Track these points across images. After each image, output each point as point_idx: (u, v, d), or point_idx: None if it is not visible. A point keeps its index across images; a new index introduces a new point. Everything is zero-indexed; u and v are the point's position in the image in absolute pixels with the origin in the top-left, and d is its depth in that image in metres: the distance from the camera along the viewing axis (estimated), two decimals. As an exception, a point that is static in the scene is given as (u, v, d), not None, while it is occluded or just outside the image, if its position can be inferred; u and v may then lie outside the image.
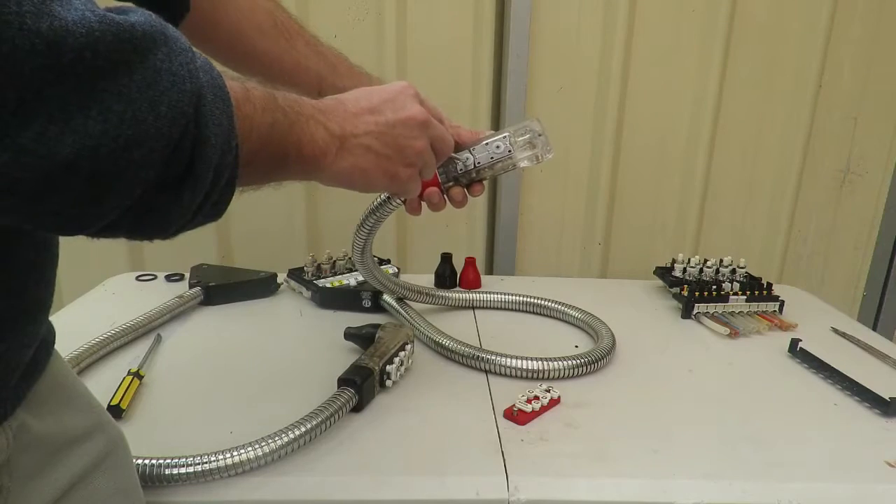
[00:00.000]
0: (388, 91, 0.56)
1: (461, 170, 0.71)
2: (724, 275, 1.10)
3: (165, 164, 0.32)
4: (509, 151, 0.70)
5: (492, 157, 0.70)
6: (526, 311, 1.04)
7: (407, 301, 0.98)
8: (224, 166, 0.36)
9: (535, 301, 1.03)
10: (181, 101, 0.32)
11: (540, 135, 0.70)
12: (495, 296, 1.05)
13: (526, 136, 0.70)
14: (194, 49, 0.35)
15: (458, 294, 1.05)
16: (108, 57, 0.29)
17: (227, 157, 0.36)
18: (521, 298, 1.04)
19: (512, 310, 1.05)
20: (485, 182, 0.74)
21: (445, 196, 0.72)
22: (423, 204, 0.73)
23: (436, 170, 0.72)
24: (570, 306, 1.01)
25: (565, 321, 1.01)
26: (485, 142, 0.71)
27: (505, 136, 0.70)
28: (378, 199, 0.75)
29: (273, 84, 0.58)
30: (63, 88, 0.27)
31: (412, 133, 0.56)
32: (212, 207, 0.38)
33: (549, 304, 1.02)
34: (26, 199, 0.29)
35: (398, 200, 0.74)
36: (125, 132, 0.30)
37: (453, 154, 0.71)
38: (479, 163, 0.70)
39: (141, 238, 0.36)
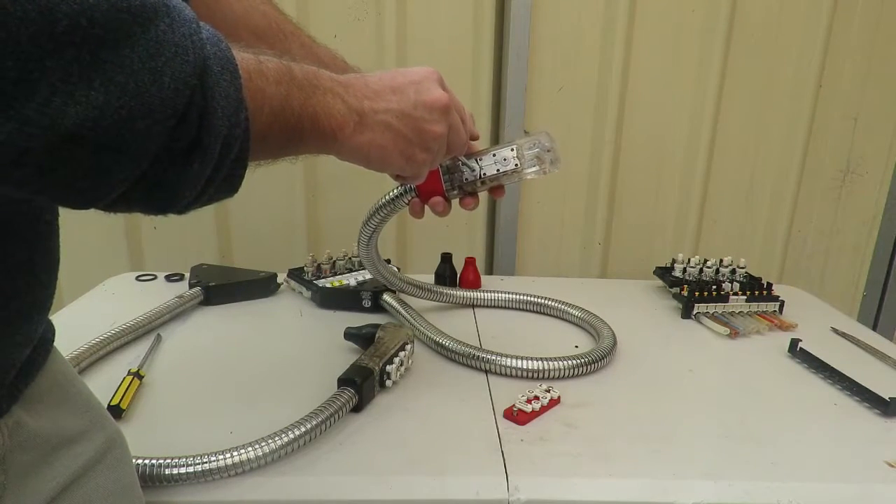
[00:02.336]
0: (413, 73, 0.56)
1: (467, 179, 0.71)
2: (724, 275, 1.10)
3: (171, 136, 0.32)
4: (516, 165, 0.70)
5: (498, 170, 0.70)
6: (529, 311, 1.04)
7: (407, 301, 0.98)
8: (233, 138, 0.36)
9: (538, 300, 1.03)
10: (185, 71, 0.32)
11: (549, 150, 0.70)
12: (499, 294, 1.05)
13: (535, 150, 0.70)
14: (200, 21, 0.34)
15: (460, 292, 1.05)
16: (105, 26, 0.28)
17: (236, 130, 0.36)
18: (524, 297, 1.04)
19: (515, 309, 1.05)
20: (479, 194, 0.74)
21: (450, 202, 0.73)
22: (425, 208, 0.74)
23: (439, 173, 0.72)
24: (572, 305, 1.01)
25: (567, 320, 1.01)
26: (493, 152, 0.70)
27: (513, 148, 0.70)
28: (390, 194, 0.75)
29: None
30: (64, 59, 0.27)
31: (433, 116, 0.56)
32: (224, 182, 0.38)
33: (552, 303, 1.03)
34: (35, 170, 0.29)
35: (407, 199, 0.74)
36: (128, 103, 0.30)
37: (461, 161, 0.71)
38: (485, 174, 0.70)
39: (154, 212, 0.36)
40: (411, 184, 0.72)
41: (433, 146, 0.57)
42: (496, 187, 0.73)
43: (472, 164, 0.70)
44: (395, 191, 0.74)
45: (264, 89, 0.40)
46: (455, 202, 0.74)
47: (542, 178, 0.72)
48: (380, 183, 0.80)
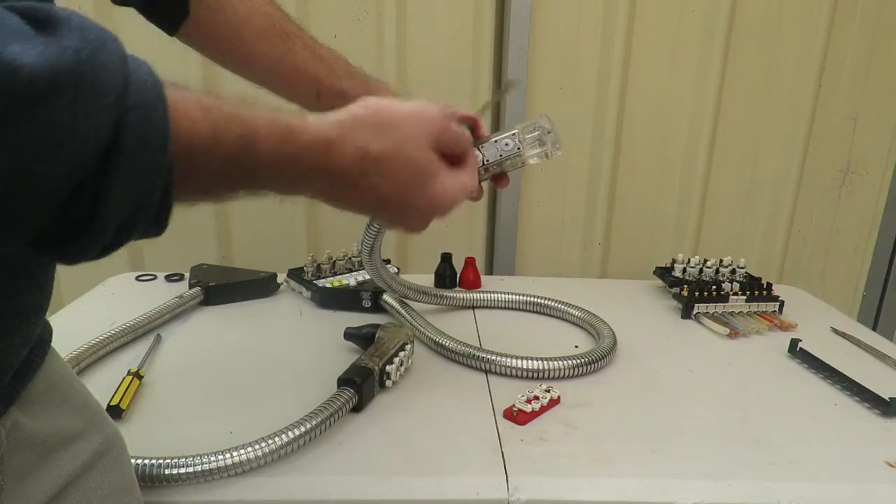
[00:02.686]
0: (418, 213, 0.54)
1: None
2: (724, 275, 1.10)
3: (58, 213, 0.29)
4: (518, 148, 0.70)
5: (500, 155, 0.70)
6: (529, 311, 1.04)
7: (407, 301, 0.98)
8: (138, 220, 0.32)
9: (539, 301, 1.03)
10: (76, 156, 0.28)
11: (549, 131, 0.70)
12: (499, 295, 1.05)
13: (535, 132, 0.70)
14: (136, 80, 0.30)
15: (462, 294, 1.05)
16: None
17: (140, 214, 0.32)
18: (525, 298, 1.04)
19: (515, 309, 1.05)
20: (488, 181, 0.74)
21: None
22: None
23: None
24: (572, 306, 1.01)
25: (568, 321, 1.01)
26: (494, 139, 0.71)
27: (514, 133, 0.70)
28: None
29: (274, 86, 0.56)
30: None
31: (419, 223, 0.56)
32: (144, 232, 0.34)
33: (552, 303, 1.02)
34: None
35: None
36: (5, 180, 0.26)
37: None
38: (487, 160, 0.70)
39: (56, 262, 0.34)
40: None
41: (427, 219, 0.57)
42: (500, 177, 0.73)
43: (475, 151, 0.70)
44: None
45: (209, 170, 0.37)
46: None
47: (537, 166, 0.72)
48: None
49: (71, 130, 0.27)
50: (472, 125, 0.72)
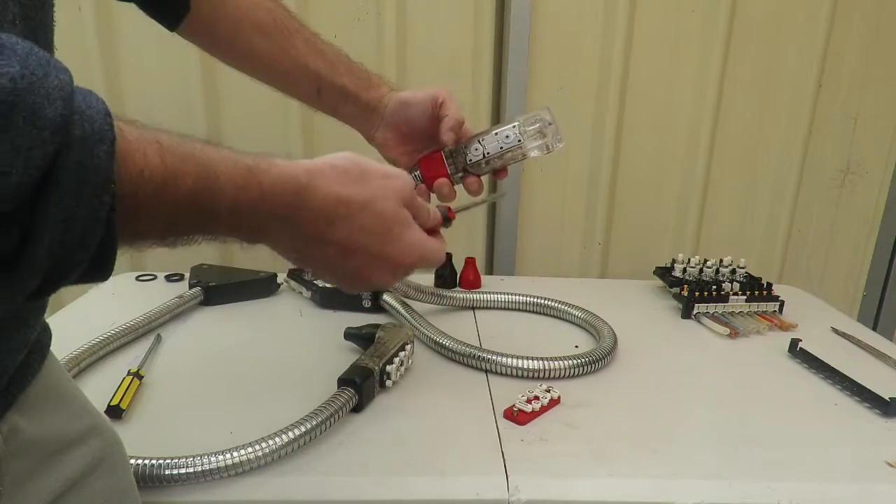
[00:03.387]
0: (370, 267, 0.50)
1: (471, 160, 0.71)
2: (724, 275, 1.10)
3: None
4: (519, 141, 0.69)
5: (501, 147, 0.70)
6: (530, 311, 1.04)
7: (407, 301, 0.98)
8: (73, 262, 0.30)
9: (539, 301, 1.03)
10: (1, 193, 0.26)
11: (550, 123, 0.70)
12: (500, 295, 1.05)
13: (535, 125, 0.70)
14: (80, 117, 0.28)
15: (463, 294, 1.05)
16: None
17: (76, 253, 0.30)
18: (526, 298, 1.04)
19: (516, 310, 1.05)
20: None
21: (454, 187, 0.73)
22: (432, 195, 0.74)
23: (442, 157, 0.72)
24: (572, 306, 1.01)
25: (568, 321, 1.01)
26: (494, 131, 0.70)
27: (514, 126, 0.70)
28: None
29: (275, 81, 0.55)
30: None
31: (382, 279, 0.52)
32: (82, 278, 0.32)
33: (553, 303, 1.02)
34: None
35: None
36: None
37: (463, 143, 0.72)
38: (488, 153, 0.70)
39: None
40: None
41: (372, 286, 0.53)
42: (500, 169, 0.73)
43: (475, 144, 0.70)
44: None
45: (154, 212, 0.34)
46: (458, 188, 0.74)
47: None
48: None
49: None
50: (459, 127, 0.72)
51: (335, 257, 0.48)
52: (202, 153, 0.37)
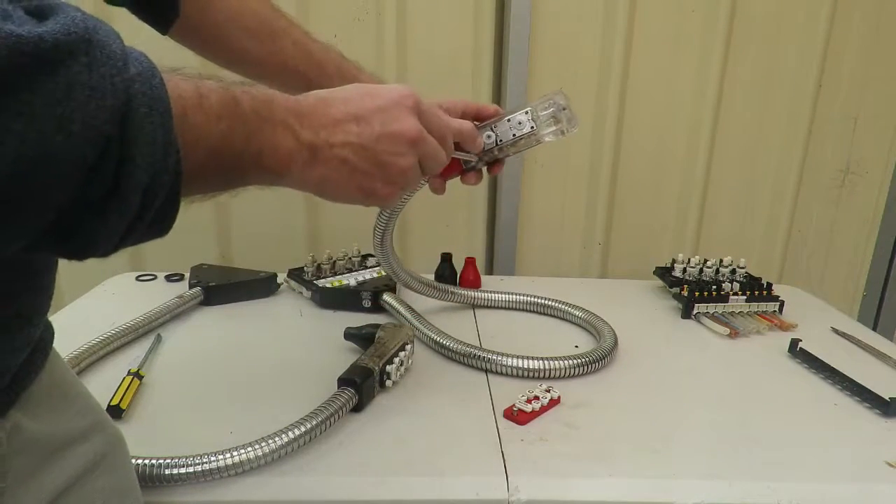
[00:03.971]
0: (383, 97, 0.51)
1: (484, 148, 0.69)
2: (724, 275, 1.10)
3: (82, 187, 0.30)
4: (532, 127, 0.67)
5: (514, 135, 0.68)
6: (530, 311, 1.04)
7: (407, 301, 0.98)
8: (159, 186, 0.33)
9: (540, 301, 1.03)
10: (98, 117, 0.29)
11: (564, 108, 0.67)
12: (501, 295, 1.05)
13: (549, 110, 0.67)
14: (132, 53, 0.32)
15: (465, 291, 1.04)
16: (2, 70, 0.26)
17: (162, 176, 0.33)
18: (527, 298, 1.04)
19: (517, 309, 1.05)
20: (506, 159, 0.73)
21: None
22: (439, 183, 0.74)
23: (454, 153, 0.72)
24: (573, 306, 1.01)
25: (569, 321, 1.01)
26: (507, 118, 0.68)
27: (527, 111, 0.67)
28: None
29: (264, 82, 0.56)
30: None
31: (399, 149, 0.51)
32: (152, 225, 0.34)
33: (553, 303, 1.03)
34: None
35: (424, 180, 0.73)
36: (27, 153, 0.27)
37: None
38: (501, 140, 0.68)
39: (70, 258, 0.33)
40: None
41: (398, 179, 0.52)
42: (494, 163, 0.72)
43: (488, 131, 0.69)
44: None
45: (202, 126, 0.38)
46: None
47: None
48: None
49: (88, 89, 0.28)
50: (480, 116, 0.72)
51: (351, 134, 0.49)
52: (214, 78, 0.41)
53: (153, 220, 0.34)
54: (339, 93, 0.50)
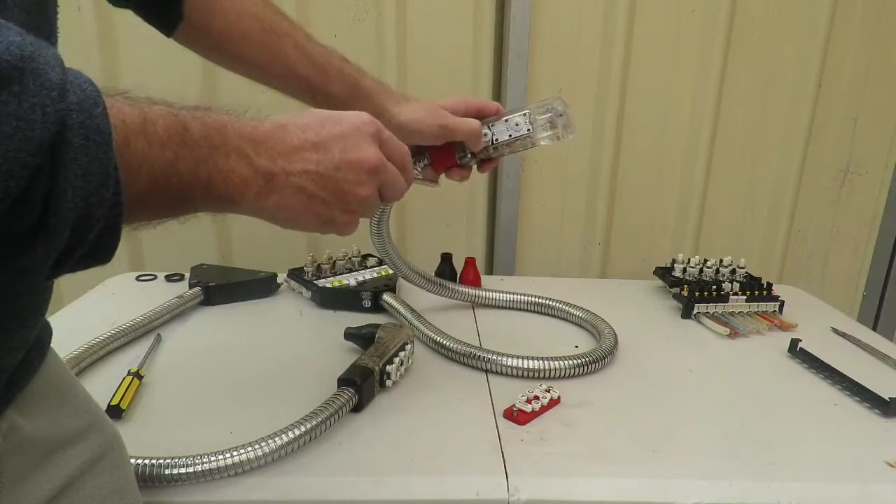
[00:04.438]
0: (343, 124, 0.50)
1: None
2: (724, 275, 1.10)
3: (5, 219, 0.28)
4: (528, 130, 0.68)
5: (510, 136, 0.69)
6: (531, 311, 1.04)
7: (407, 301, 0.98)
8: (94, 218, 0.32)
9: (540, 300, 1.03)
10: (25, 150, 0.27)
11: (561, 114, 0.68)
12: (501, 294, 1.05)
13: (547, 114, 0.68)
14: (74, 81, 0.30)
15: (465, 288, 1.04)
16: None
17: (96, 209, 0.31)
18: (526, 298, 1.04)
19: (517, 309, 1.05)
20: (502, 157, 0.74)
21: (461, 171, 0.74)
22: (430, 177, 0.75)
23: (454, 148, 0.72)
24: (573, 305, 1.01)
25: (569, 321, 1.01)
26: (504, 118, 0.69)
27: (525, 113, 0.68)
28: None
29: (268, 86, 0.56)
30: None
31: (359, 178, 0.50)
32: (86, 257, 0.33)
33: (554, 303, 1.02)
34: None
35: (419, 167, 0.73)
36: None
37: None
38: (497, 140, 0.69)
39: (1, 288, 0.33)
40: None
41: (357, 208, 0.52)
42: (487, 162, 0.73)
43: (484, 129, 0.69)
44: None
45: (145, 153, 0.37)
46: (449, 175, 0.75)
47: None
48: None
49: (15, 120, 0.27)
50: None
51: (310, 162, 0.48)
52: (163, 103, 0.40)
53: (92, 248, 0.33)
54: (297, 119, 0.49)
